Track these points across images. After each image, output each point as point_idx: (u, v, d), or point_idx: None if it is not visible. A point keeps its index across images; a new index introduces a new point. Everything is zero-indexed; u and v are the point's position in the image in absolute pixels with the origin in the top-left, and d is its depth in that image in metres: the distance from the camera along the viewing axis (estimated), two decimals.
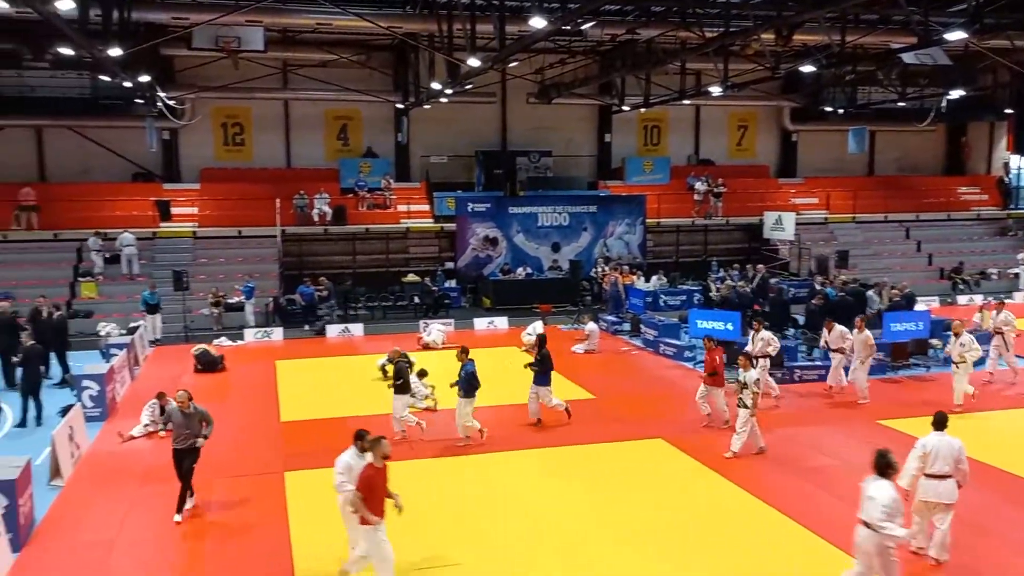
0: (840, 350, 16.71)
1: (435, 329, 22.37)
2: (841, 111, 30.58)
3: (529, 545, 10.03)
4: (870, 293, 21.99)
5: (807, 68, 23.85)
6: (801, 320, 21.56)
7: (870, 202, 33.77)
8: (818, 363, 18.51)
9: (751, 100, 32.57)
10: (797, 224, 30.02)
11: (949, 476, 9.12)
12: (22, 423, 15.02)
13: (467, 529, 10.48)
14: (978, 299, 25.51)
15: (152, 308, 22.73)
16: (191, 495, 11.00)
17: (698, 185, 32.03)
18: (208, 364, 19.27)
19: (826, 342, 17.16)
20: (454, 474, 12.52)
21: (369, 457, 8.53)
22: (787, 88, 33.14)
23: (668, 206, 31.60)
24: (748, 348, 16.07)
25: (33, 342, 15.86)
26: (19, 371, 15.71)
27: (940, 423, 9.34)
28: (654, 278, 27.52)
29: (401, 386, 14.00)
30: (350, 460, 8.88)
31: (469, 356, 13.86)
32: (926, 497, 9.22)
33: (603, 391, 17.21)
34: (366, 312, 26.06)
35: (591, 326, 21.47)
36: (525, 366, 15.35)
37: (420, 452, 13.41)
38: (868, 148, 33.01)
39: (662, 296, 26.54)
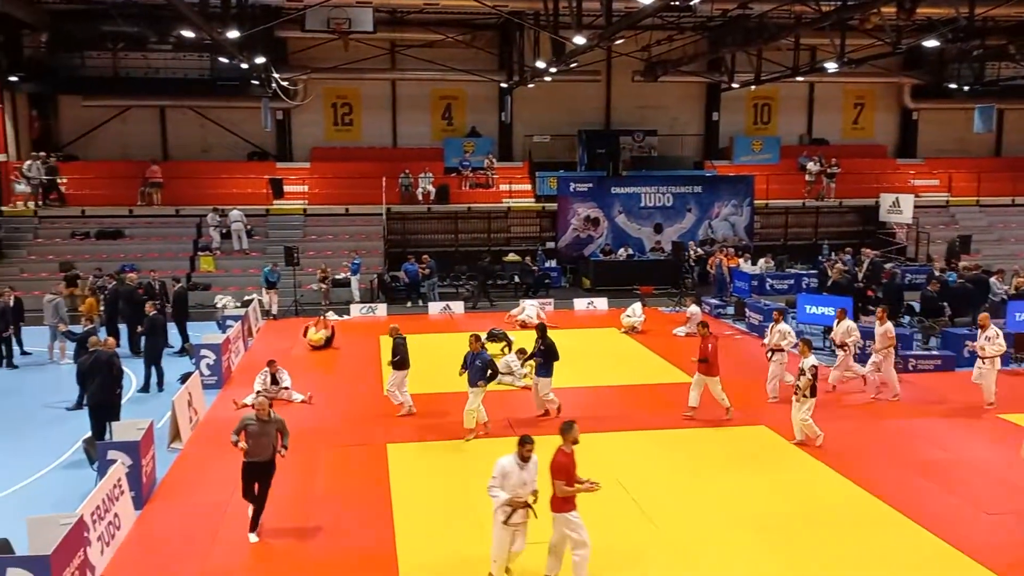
0: (844, 345, 15.70)
1: (529, 305, 22.35)
2: (967, 88, 28.86)
3: (633, 526, 10.00)
4: (992, 280, 20.79)
5: (931, 43, 22.56)
6: (917, 308, 20.60)
7: (996, 185, 31.86)
8: (934, 352, 17.69)
9: (869, 77, 31.08)
10: (915, 207, 28.65)
11: None
12: (144, 388, 15.96)
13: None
14: None
15: (271, 284, 23.46)
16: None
17: (810, 165, 30.93)
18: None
19: (833, 336, 16.22)
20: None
21: (531, 468, 8.29)
22: (908, 64, 31.49)
23: (777, 187, 30.65)
24: (765, 340, 15.49)
25: (156, 312, 16.80)
26: (143, 340, 16.64)
27: None
28: (761, 261, 26.80)
29: (398, 362, 14.04)
30: (507, 465, 8.28)
31: (483, 345, 13.54)
32: None
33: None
34: (467, 290, 26.37)
35: (693, 309, 21.10)
36: (523, 361, 15.54)
37: (521, 430, 13.50)
38: (995, 127, 31.02)
39: (769, 280, 25.85)
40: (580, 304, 24.89)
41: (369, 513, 10.27)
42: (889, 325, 15.55)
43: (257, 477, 9.70)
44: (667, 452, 12.57)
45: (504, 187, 30.09)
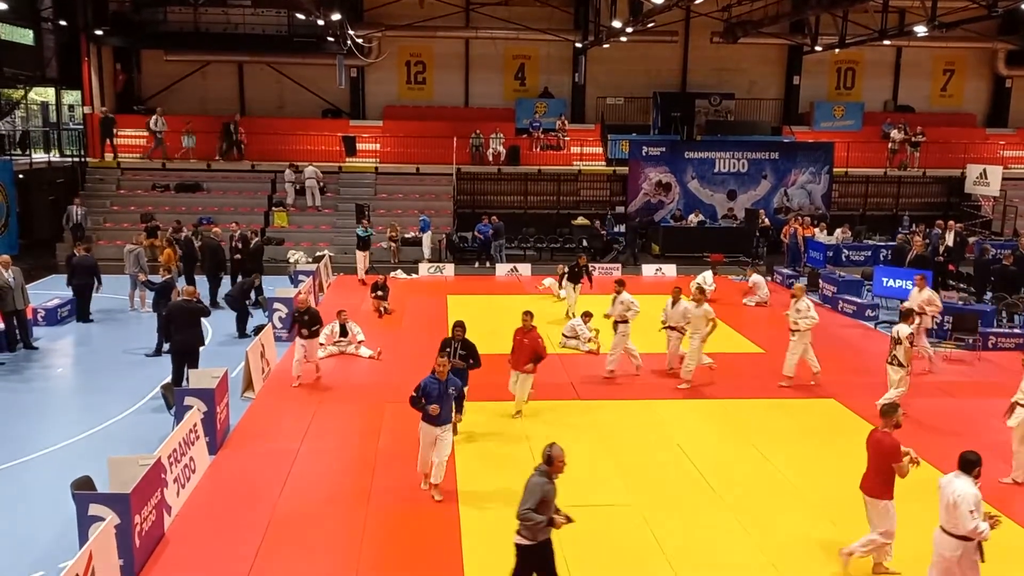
0: (920, 314, 14.49)
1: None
2: None
3: (696, 494, 9.98)
4: None
5: None
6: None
7: None
8: (1016, 331, 17.04)
9: (961, 42, 29.61)
10: (1004, 179, 27.37)
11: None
12: (243, 334, 16.67)
13: (636, 472, 10.52)
14: None
15: (364, 243, 22.66)
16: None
17: (894, 133, 29.80)
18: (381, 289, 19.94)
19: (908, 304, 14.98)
20: (615, 416, 12.56)
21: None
22: (1004, 28, 29.91)
23: (858, 155, 29.64)
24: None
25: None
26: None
27: None
28: (838, 231, 26.04)
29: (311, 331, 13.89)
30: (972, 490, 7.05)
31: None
32: None
33: (773, 346, 16.59)
34: (534, 253, 26.38)
35: (755, 278, 20.71)
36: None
37: (585, 394, 13.54)
38: None
39: (845, 251, 25.14)
40: (648, 270, 24.65)
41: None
42: (929, 291, 15.09)
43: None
44: (732, 422, 12.42)
45: (575, 149, 29.81)
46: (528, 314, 12.30)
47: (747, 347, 16.70)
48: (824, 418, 12.70)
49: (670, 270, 24.53)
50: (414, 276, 23.53)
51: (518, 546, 6.90)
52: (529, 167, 29.11)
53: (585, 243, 26.52)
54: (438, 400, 9.48)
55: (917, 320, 14.57)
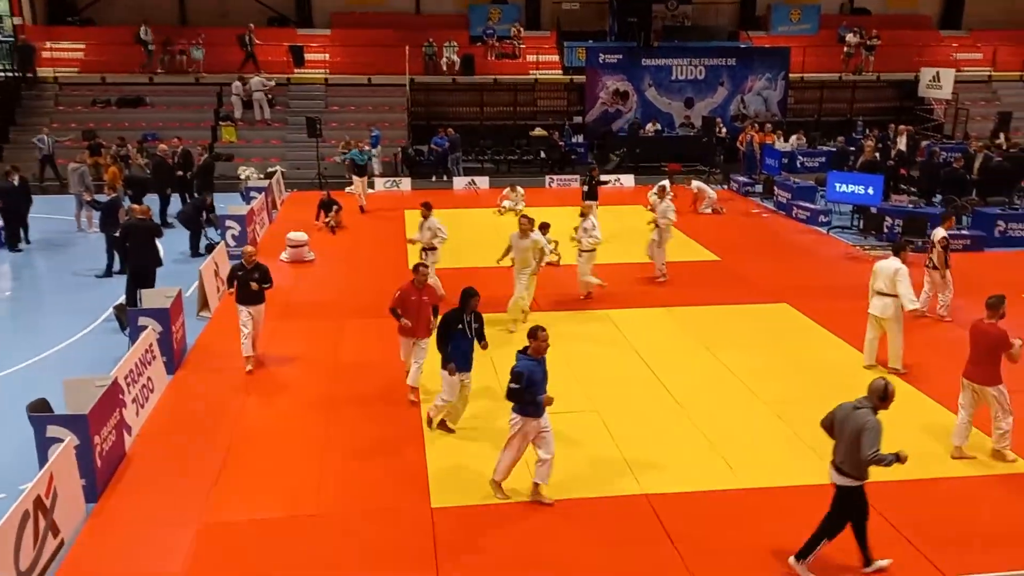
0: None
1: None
2: None
3: (654, 398, 10.20)
4: None
5: None
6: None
7: None
8: (964, 232, 17.43)
9: None
10: (956, 82, 27.50)
11: (882, 294, 10.48)
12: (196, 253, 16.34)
13: (594, 379, 10.69)
14: None
15: (361, 169, 20.78)
16: None
17: (849, 37, 29.60)
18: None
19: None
20: (575, 327, 12.69)
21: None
22: None
23: (814, 60, 29.47)
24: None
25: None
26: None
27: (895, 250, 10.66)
28: (793, 138, 26.09)
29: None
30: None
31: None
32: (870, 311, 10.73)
33: (729, 253, 16.82)
34: (491, 165, 26.09)
35: (696, 183, 20.91)
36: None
37: (545, 306, 13.62)
38: None
39: (800, 157, 25.25)
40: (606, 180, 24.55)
41: (394, 383, 10.47)
42: None
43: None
44: (687, 328, 12.62)
45: (531, 58, 29.20)
46: (422, 266, 10.14)
47: (703, 255, 16.87)
48: (777, 322, 12.97)
49: (628, 181, 24.49)
50: (369, 191, 23.14)
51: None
52: (484, 77, 28.49)
53: (543, 155, 26.26)
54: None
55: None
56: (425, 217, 13.57)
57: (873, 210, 18.04)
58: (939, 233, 12.55)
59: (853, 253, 16.91)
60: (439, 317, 9.53)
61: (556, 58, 29.51)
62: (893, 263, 10.47)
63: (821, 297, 13.88)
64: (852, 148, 23.21)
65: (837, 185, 18.80)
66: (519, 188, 21.08)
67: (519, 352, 7.80)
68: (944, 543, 7.24)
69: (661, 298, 14.05)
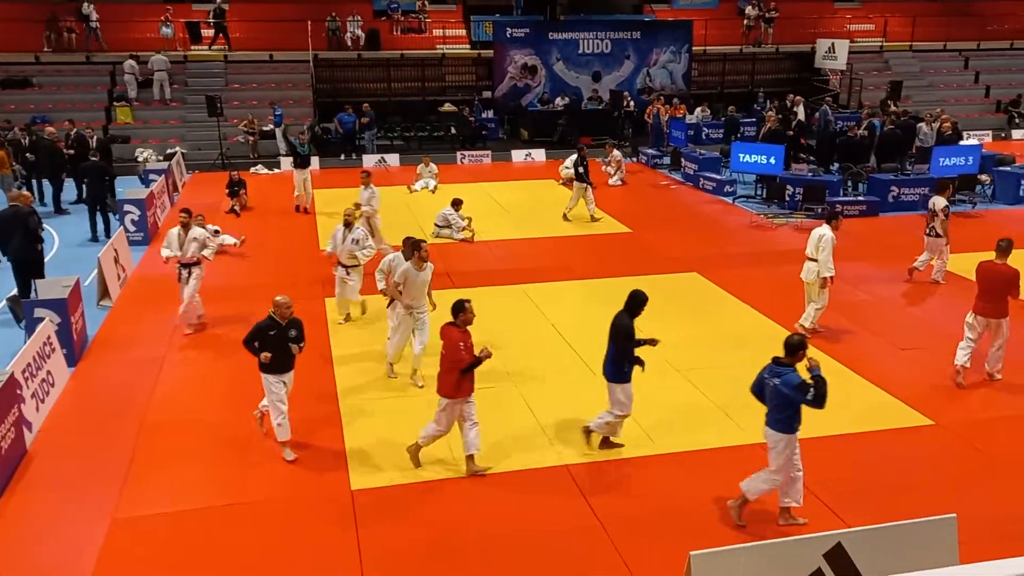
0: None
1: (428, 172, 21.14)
2: None
3: (571, 369, 10.32)
4: (920, 125, 21.12)
5: None
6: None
7: (930, 29, 31.82)
8: (860, 198, 18.17)
9: None
10: (851, 53, 28.51)
11: (810, 259, 10.97)
12: (93, 238, 15.68)
13: (510, 354, 10.73)
14: None
15: (302, 160, 18.38)
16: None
17: (749, 9, 30.32)
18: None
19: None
20: (491, 301, 12.71)
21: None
22: None
23: (716, 32, 30.09)
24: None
25: (95, 160, 16.38)
26: (85, 188, 16.02)
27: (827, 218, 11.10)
28: (697, 110, 26.67)
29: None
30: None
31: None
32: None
33: (640, 225, 17.11)
34: (402, 143, 25.79)
35: (616, 153, 21.27)
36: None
37: (461, 282, 13.59)
38: None
39: (705, 129, 25.82)
40: (518, 156, 24.62)
41: (309, 367, 10.30)
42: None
43: None
44: (598, 299, 12.78)
45: (438, 32, 28.88)
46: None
47: (616, 227, 17.11)
48: (688, 290, 13.28)
49: (539, 155, 24.59)
50: (276, 171, 22.61)
51: None
52: (391, 52, 28.06)
53: (454, 130, 26.09)
54: None
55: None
56: (366, 185, 14.78)
57: (776, 179, 18.61)
58: (940, 202, 12.98)
59: (757, 221, 17.43)
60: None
61: (463, 32, 29.28)
62: (821, 230, 10.91)
63: (729, 265, 14.27)
64: (743, 118, 23.93)
65: (740, 156, 19.31)
66: (432, 164, 20.91)
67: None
68: (846, 495, 7.59)
69: (575, 271, 14.21)
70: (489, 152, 24.45)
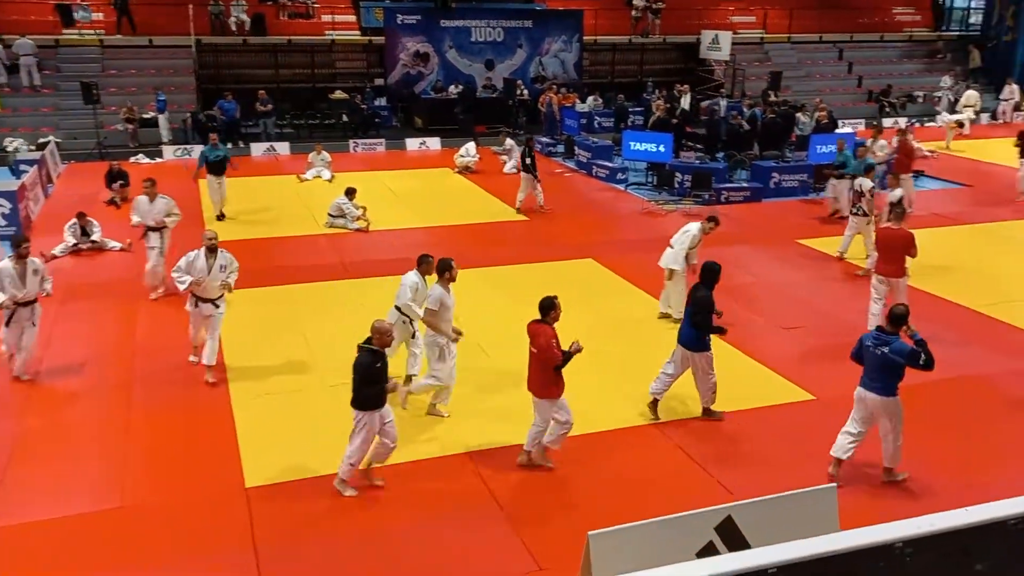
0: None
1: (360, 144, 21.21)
2: None
3: (470, 357, 10.27)
4: (798, 115, 22.09)
5: None
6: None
7: (807, 22, 33.22)
8: (744, 184, 18.85)
9: None
10: (733, 44, 29.49)
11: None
12: None
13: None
14: (902, 122, 25.91)
15: (215, 167, 16.16)
16: None
17: (636, 0, 30.91)
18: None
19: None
20: (387, 292, 12.59)
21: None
22: None
23: (605, 22, 30.54)
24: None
25: None
26: None
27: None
28: (590, 99, 27.06)
29: None
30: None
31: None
32: None
33: (535, 213, 17.26)
34: (292, 131, 25.18)
35: (509, 142, 21.37)
36: None
37: (356, 272, 13.41)
38: None
39: (597, 117, 26.24)
40: (412, 144, 24.42)
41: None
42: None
43: None
44: (495, 286, 12.89)
45: (326, 18, 28.25)
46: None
47: (510, 215, 17.22)
48: (584, 277, 13.50)
49: (434, 143, 24.46)
50: (158, 160, 21.71)
51: None
52: (278, 38, 27.27)
53: (345, 118, 25.64)
54: None
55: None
56: (151, 197, 12.19)
57: (665, 167, 19.12)
58: (867, 183, 13.64)
59: (649, 208, 17.87)
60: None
61: (353, 18, 28.72)
62: (693, 224, 11.36)
63: (622, 251, 14.59)
64: (633, 107, 24.52)
65: (631, 144, 19.75)
66: (325, 153, 20.49)
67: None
68: (736, 469, 7.91)
69: (471, 259, 14.17)
70: (383, 140, 24.16)
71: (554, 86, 26.17)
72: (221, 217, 16.34)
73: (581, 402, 9.25)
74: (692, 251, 11.28)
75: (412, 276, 9.17)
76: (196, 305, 9.57)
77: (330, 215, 16.11)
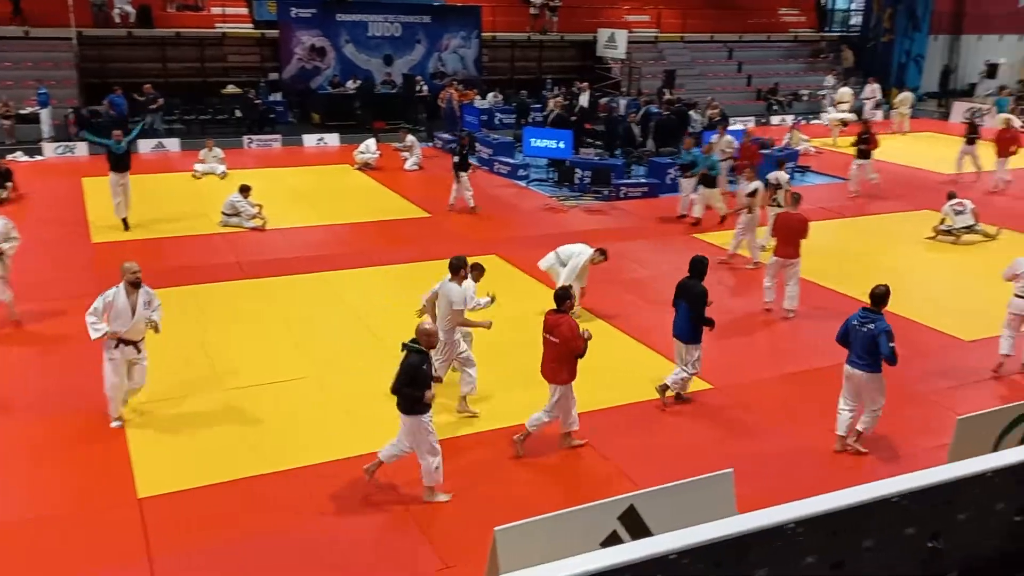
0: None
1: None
2: None
3: (373, 356, 10.20)
4: (691, 112, 22.73)
5: None
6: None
7: (699, 22, 34.18)
8: (641, 180, 19.27)
9: None
10: (629, 43, 30.06)
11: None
12: None
13: (310, 344, 10.48)
14: (789, 120, 26.98)
15: (119, 162, 14.95)
16: None
17: None
18: None
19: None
20: (287, 291, 12.33)
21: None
22: None
23: (504, 19, 30.65)
24: None
25: None
26: None
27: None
28: (490, 95, 27.12)
29: None
30: None
31: None
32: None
33: (438, 209, 17.19)
34: (182, 127, 24.30)
35: (410, 138, 21.28)
36: None
37: (254, 272, 13.06)
38: None
39: (498, 114, 26.32)
40: (310, 140, 23.95)
41: (78, 372, 9.52)
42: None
43: None
44: (401, 284, 12.78)
45: (216, 10, 27.34)
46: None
47: (414, 212, 17.10)
48: (489, 273, 13.47)
49: (332, 140, 24.04)
50: (38, 158, 20.60)
51: None
52: (165, 30, 26.24)
53: (239, 113, 24.90)
54: None
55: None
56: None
57: (565, 163, 19.36)
58: (783, 176, 14.43)
59: (550, 204, 18.04)
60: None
61: (245, 11, 27.92)
62: (582, 248, 11.46)
63: (526, 247, 14.63)
64: (533, 103, 24.77)
65: (532, 140, 19.91)
66: (217, 149, 19.84)
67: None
68: (637, 459, 8.09)
69: (374, 257, 14.06)
70: (279, 136, 23.61)
71: (454, 82, 26.11)
72: (126, 226, 15.00)
73: (485, 397, 9.29)
74: (582, 275, 11.38)
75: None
76: (117, 347, 8.28)
77: (224, 213, 15.62)
